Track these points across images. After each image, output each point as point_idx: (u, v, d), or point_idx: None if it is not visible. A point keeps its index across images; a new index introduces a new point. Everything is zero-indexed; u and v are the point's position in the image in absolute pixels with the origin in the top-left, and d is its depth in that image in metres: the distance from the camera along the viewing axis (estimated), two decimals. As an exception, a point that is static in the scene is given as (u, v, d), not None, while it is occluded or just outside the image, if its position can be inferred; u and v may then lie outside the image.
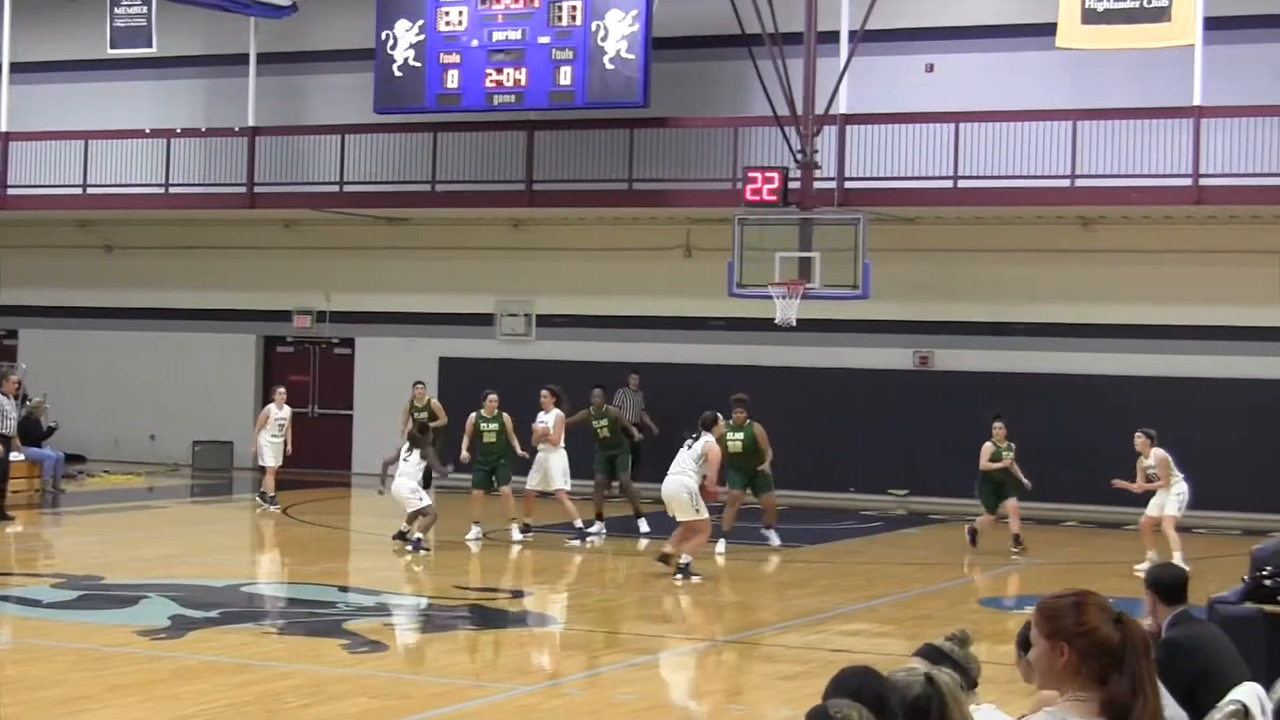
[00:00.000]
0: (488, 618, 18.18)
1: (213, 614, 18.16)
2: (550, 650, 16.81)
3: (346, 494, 32.46)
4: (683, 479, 20.98)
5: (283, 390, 28.69)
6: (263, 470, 28.04)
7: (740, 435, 23.71)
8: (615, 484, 26.55)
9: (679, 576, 20.69)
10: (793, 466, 28.13)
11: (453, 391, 33.89)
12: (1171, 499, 22.26)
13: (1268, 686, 8.16)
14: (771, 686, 14.62)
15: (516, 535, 24.29)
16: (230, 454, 35.20)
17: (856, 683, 5.90)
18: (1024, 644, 8.15)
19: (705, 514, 20.99)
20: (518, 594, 19.64)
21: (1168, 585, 9.15)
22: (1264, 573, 12.14)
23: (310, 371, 36.18)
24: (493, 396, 25.15)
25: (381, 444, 33.61)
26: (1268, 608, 11.77)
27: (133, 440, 36.71)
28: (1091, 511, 28.41)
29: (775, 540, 24.33)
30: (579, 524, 24.49)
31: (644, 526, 24.93)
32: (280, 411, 28.20)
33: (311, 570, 22.16)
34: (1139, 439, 22.52)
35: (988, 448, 24.04)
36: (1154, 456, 22.35)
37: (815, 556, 24.40)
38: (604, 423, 25.88)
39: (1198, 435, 28.47)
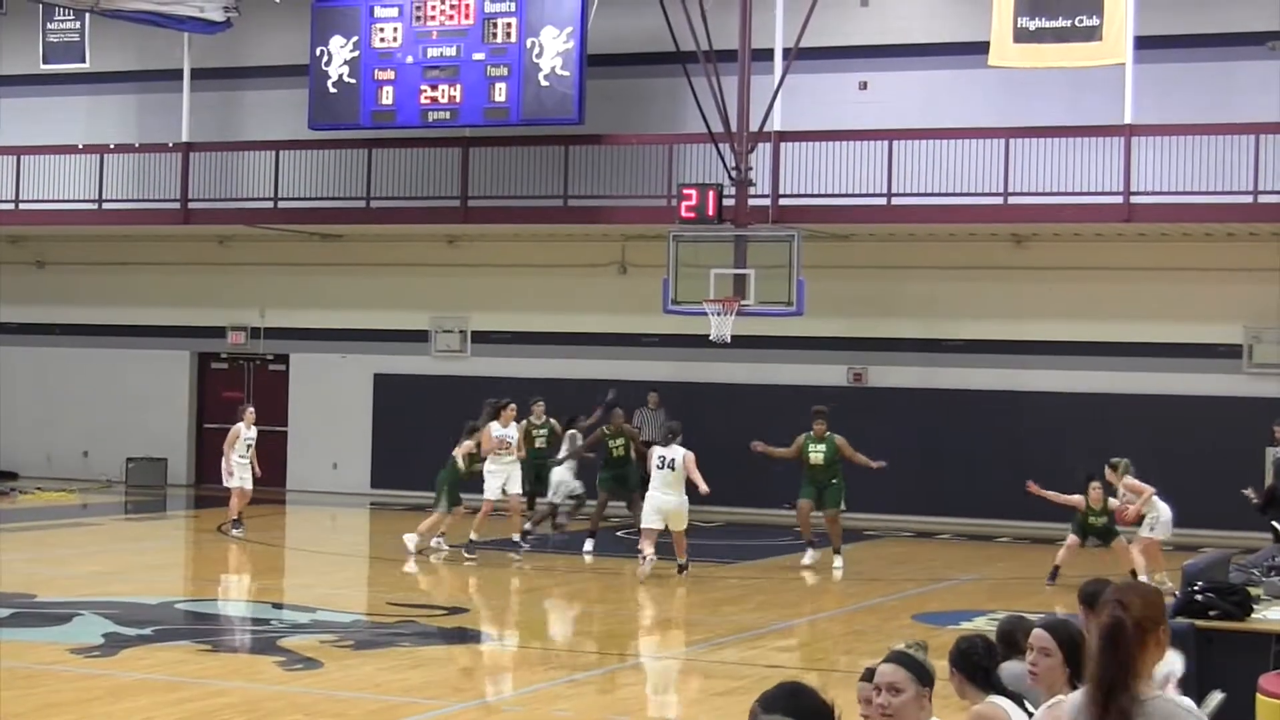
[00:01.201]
0: (424, 634, 18.15)
1: (147, 631, 18.05)
2: (487, 667, 16.79)
3: (281, 510, 32.28)
4: (679, 497, 22.50)
5: (252, 410, 27.85)
6: (229, 492, 27.04)
7: (822, 447, 24.13)
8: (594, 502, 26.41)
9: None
10: (727, 483, 28.18)
11: (387, 408, 33.94)
12: (1145, 524, 22.26)
13: (1199, 700, 8.22)
14: (707, 702, 14.64)
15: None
16: (165, 470, 35.01)
17: (789, 697, 5.95)
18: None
19: None
20: (455, 610, 19.60)
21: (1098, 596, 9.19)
22: (1195, 588, 12.23)
23: (244, 388, 36.01)
24: (541, 403, 26.07)
25: (316, 461, 33.59)
26: (1199, 622, 11.85)
27: (65, 457, 36.48)
28: (1025, 527, 28.54)
29: (835, 564, 24.25)
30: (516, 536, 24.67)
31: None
32: (249, 432, 27.37)
33: (246, 587, 22.06)
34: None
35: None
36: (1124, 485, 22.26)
37: (750, 573, 24.45)
38: (619, 442, 25.84)
39: (1128, 450, 28.61)
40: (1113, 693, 5.79)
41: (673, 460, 22.57)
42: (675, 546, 22.82)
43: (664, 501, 22.49)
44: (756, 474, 27.68)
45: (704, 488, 22.38)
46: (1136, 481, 22.13)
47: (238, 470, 26.64)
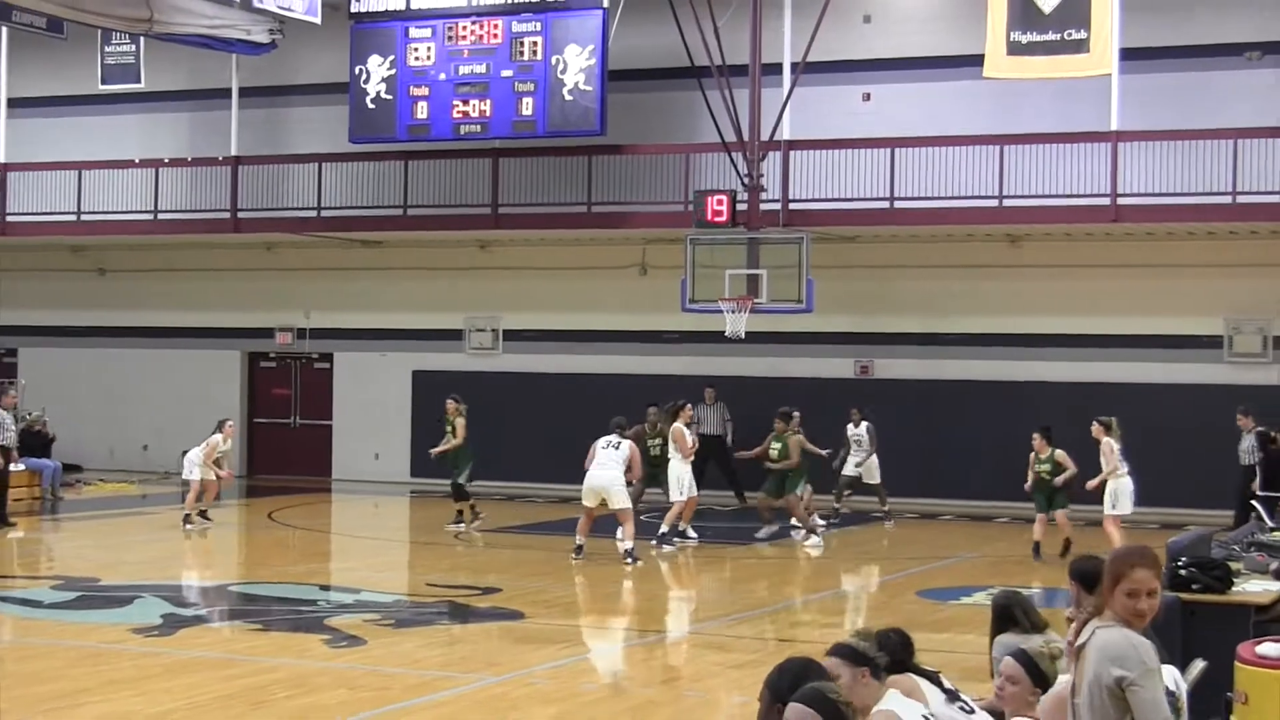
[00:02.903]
0: (460, 613, 18.17)
1: (202, 612, 18.15)
2: (519, 643, 16.81)
3: (327, 499, 32.30)
4: (616, 473, 22.28)
5: (232, 423, 27.94)
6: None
7: (778, 445, 24.66)
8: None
9: (632, 561, 21.88)
10: (743, 471, 28.24)
11: (425, 402, 33.94)
12: (1108, 500, 22.18)
13: (1183, 668, 8.22)
14: (724, 674, 14.65)
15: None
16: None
17: (800, 669, 5.99)
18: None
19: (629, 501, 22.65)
20: (489, 590, 19.63)
21: (1091, 575, 9.20)
22: (1179, 563, 12.21)
23: (292, 385, 36.09)
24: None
25: (359, 452, 33.60)
26: (1183, 596, 11.84)
27: (126, 451, 36.57)
28: (1021, 508, 28.46)
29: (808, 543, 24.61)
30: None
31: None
32: (225, 445, 27.19)
33: (295, 570, 22.10)
34: (1096, 427, 22.27)
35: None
36: (1104, 445, 22.09)
37: (765, 553, 24.43)
38: (658, 441, 25.83)
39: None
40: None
41: (619, 443, 22.60)
42: (622, 530, 22.55)
43: (596, 477, 22.43)
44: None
45: (637, 474, 23.00)
46: (1114, 446, 21.96)
47: (202, 471, 26.28)
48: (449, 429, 26.13)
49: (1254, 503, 17.97)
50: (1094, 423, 22.20)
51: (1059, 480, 22.73)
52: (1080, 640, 6.56)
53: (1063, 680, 7.53)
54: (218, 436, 26.92)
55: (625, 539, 22.20)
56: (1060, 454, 22.86)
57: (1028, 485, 23.21)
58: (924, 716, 7.14)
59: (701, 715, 13.12)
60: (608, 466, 22.36)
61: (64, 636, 15.80)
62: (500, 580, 20.30)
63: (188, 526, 25.68)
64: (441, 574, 21.41)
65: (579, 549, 22.18)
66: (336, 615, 17.63)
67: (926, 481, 30.03)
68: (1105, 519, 21.91)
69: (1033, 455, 23.09)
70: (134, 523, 28.17)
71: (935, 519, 28.62)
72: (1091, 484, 22.09)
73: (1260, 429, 24.86)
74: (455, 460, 25.97)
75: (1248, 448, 24.01)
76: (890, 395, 30.55)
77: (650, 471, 25.38)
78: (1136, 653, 6.36)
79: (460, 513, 25.97)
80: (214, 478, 26.57)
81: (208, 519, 26.28)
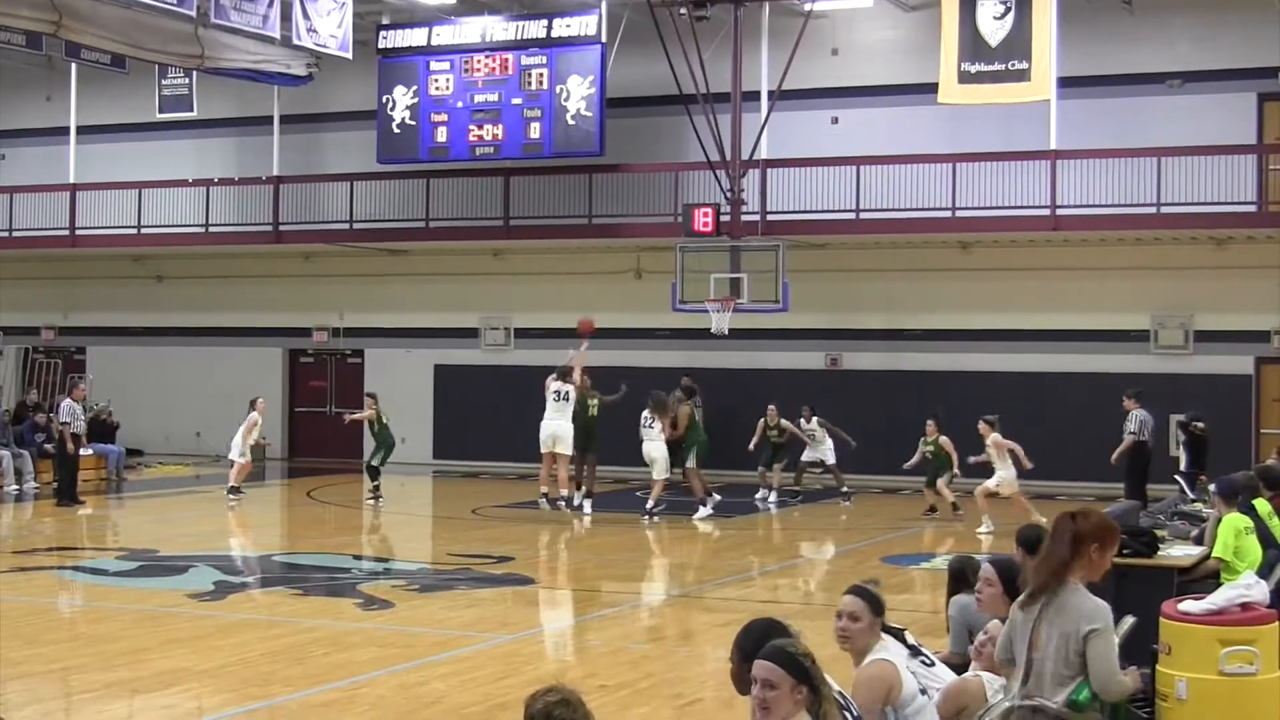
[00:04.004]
0: (478, 579, 18.18)
1: (249, 579, 18.15)
2: (529, 605, 16.82)
3: (358, 479, 32.25)
4: (566, 422, 23.32)
5: (262, 400, 28.20)
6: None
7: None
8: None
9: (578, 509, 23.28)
10: (726, 451, 28.22)
11: (445, 392, 33.98)
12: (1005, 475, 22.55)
13: (1115, 623, 8.21)
14: (711, 633, 14.66)
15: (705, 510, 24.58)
16: (262, 448, 34.99)
17: (764, 629, 6.01)
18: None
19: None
20: (503, 559, 19.65)
21: (1035, 541, 9.23)
22: (1112, 531, 12.20)
23: (328, 378, 36.06)
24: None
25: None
26: (1115, 560, 11.82)
27: (181, 437, 36.55)
28: (972, 483, 28.43)
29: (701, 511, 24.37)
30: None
31: (704, 508, 24.45)
32: (260, 419, 27.55)
33: (330, 542, 22.12)
34: (982, 425, 22.82)
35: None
36: (991, 440, 22.59)
37: (745, 525, 24.45)
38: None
39: (1056, 419, 28.69)
40: (1043, 580, 6.31)
41: (567, 392, 22.81)
42: (557, 477, 23.33)
43: (551, 425, 22.85)
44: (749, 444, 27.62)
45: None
46: (1000, 440, 22.57)
47: (241, 448, 26.93)
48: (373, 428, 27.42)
49: (1177, 477, 18.02)
50: (980, 422, 22.82)
51: (955, 469, 23.98)
52: (1040, 601, 6.59)
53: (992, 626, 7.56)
54: (254, 414, 27.18)
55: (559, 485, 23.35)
56: (944, 440, 24.05)
57: (909, 464, 24.61)
58: (909, 668, 7.11)
59: (690, 667, 13.14)
60: (555, 417, 23.25)
61: (128, 601, 15.81)
62: (513, 550, 20.32)
63: (230, 497, 26.31)
64: (461, 545, 21.43)
65: (546, 497, 22.81)
66: (368, 582, 17.65)
67: (888, 460, 29.96)
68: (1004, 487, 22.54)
69: (923, 438, 24.23)
70: (188, 501, 28.19)
71: (897, 494, 28.62)
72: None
73: (1183, 419, 24.69)
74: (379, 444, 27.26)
75: (1135, 427, 24.07)
76: (856, 384, 30.57)
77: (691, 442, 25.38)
78: (1100, 611, 6.48)
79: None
80: (247, 457, 26.85)
81: (239, 492, 26.60)
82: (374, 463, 27.05)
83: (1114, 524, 6.71)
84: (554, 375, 24.34)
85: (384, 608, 15.57)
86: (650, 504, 23.98)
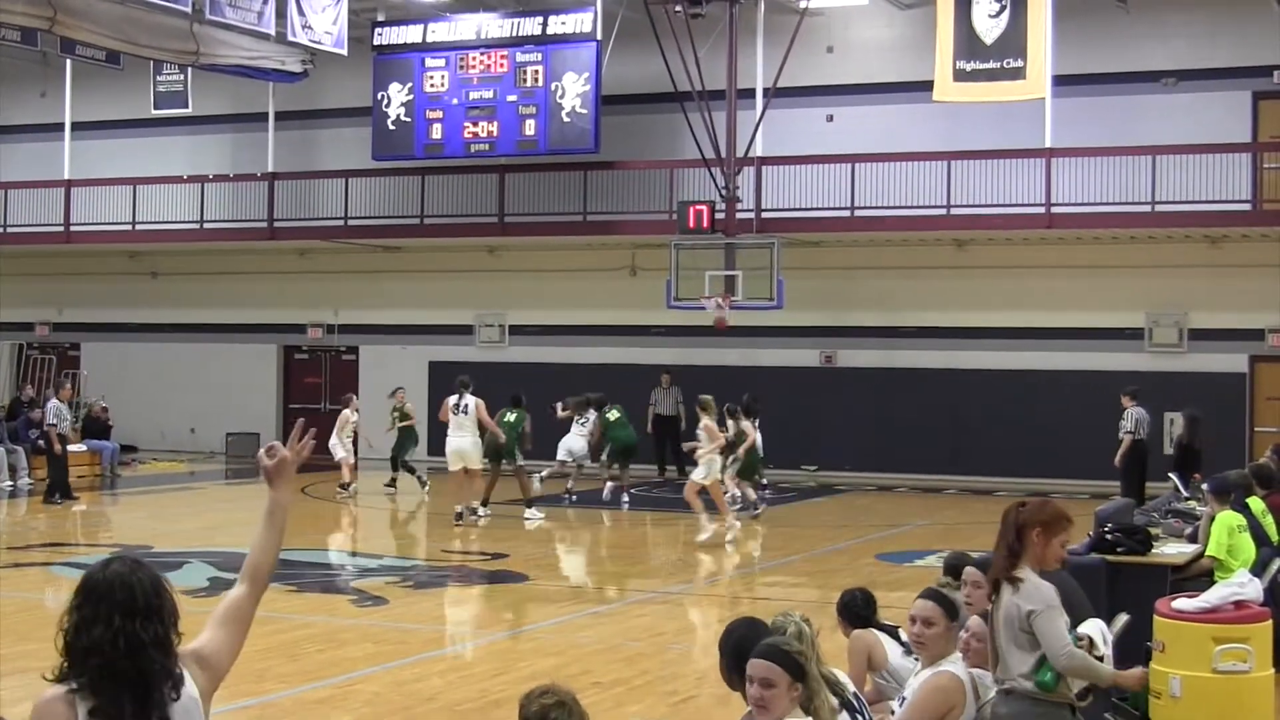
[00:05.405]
0: (472, 576, 18.17)
1: (243, 576, 18.07)
2: (523, 602, 16.82)
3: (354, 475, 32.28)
4: (473, 438, 22.69)
5: (356, 399, 28.14)
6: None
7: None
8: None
9: (480, 516, 22.69)
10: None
11: (440, 389, 33.91)
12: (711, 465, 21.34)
13: (1109, 621, 8.23)
14: (703, 630, 14.66)
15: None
16: (258, 443, 34.73)
17: (745, 629, 6.04)
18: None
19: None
20: (497, 556, 19.64)
21: (958, 569, 9.25)
22: (1106, 529, 12.24)
23: (322, 374, 36.04)
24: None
25: (381, 433, 33.58)
26: (1109, 557, 11.87)
27: (176, 433, 36.53)
28: (966, 481, 28.55)
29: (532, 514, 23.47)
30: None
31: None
32: (354, 416, 27.34)
33: (325, 538, 22.11)
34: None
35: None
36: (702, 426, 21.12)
37: (740, 522, 24.42)
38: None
39: (1050, 417, 28.72)
40: (995, 570, 6.47)
41: (466, 405, 22.67)
42: (470, 489, 22.90)
43: (459, 443, 22.62)
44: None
45: (492, 428, 22.75)
46: (714, 426, 21.14)
47: (340, 447, 26.67)
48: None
49: (1171, 475, 18.01)
50: (695, 404, 21.77)
51: (740, 450, 23.27)
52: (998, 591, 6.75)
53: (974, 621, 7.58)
54: (346, 411, 27.19)
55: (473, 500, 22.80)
56: (746, 424, 23.55)
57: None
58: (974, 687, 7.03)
59: (684, 664, 13.14)
60: (461, 432, 22.66)
61: (121, 598, 15.74)
62: (507, 547, 20.31)
63: (341, 493, 26.53)
64: (455, 542, 21.42)
65: (460, 515, 22.58)
66: (362, 578, 17.64)
67: (883, 458, 30.04)
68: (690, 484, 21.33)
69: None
70: (182, 497, 28.17)
71: (891, 491, 28.63)
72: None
73: (1183, 415, 24.59)
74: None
75: (1131, 426, 24.04)
76: (851, 381, 30.58)
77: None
78: (1040, 592, 6.60)
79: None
80: (348, 454, 26.73)
81: (345, 490, 26.61)
82: (404, 456, 27.87)
83: (1059, 510, 6.79)
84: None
85: (378, 604, 15.57)
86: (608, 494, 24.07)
